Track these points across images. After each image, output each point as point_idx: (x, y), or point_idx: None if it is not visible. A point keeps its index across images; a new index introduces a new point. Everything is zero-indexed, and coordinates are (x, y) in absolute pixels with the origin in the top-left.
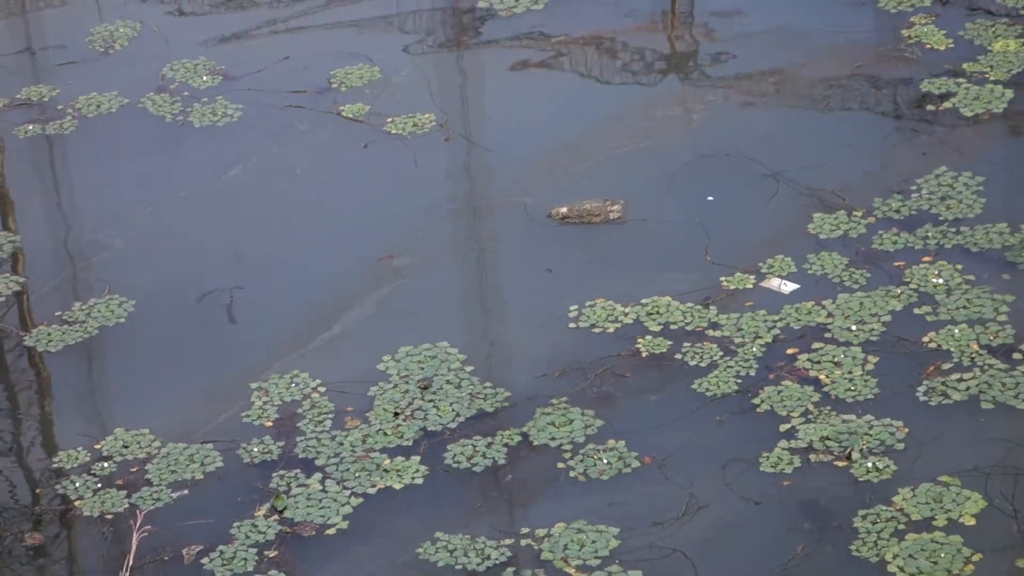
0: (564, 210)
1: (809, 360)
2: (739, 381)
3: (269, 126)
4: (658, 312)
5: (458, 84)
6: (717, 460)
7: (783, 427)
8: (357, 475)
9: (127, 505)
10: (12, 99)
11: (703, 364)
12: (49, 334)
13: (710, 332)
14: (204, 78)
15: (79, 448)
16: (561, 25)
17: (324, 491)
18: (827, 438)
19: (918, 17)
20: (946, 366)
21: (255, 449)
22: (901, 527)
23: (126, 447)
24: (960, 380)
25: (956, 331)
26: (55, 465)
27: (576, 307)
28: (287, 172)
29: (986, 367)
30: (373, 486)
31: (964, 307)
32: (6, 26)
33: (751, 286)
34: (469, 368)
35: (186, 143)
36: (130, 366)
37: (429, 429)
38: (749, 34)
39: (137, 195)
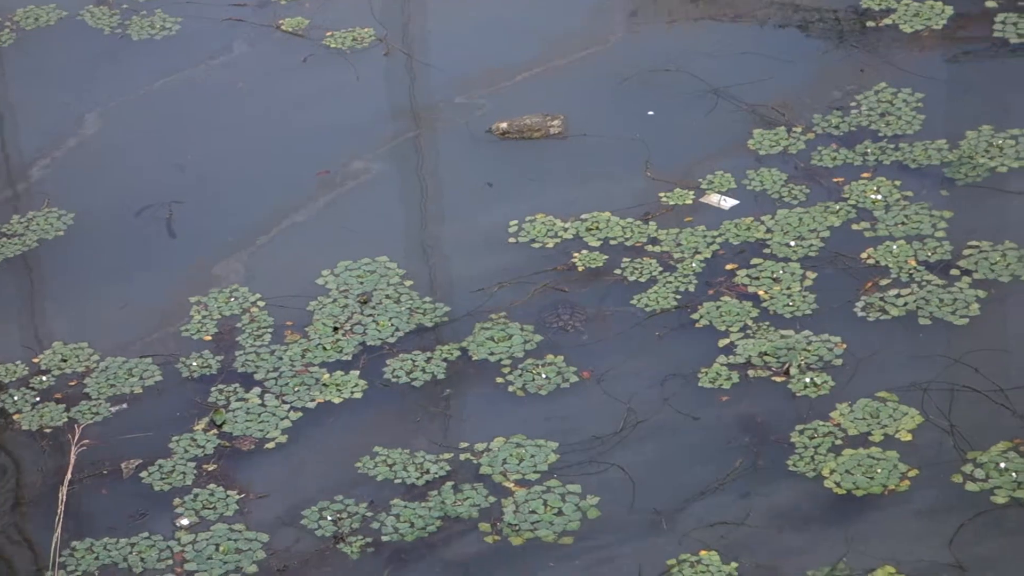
0: (504, 125)
1: (748, 276)
2: (678, 297)
3: (208, 40)
4: (597, 227)
5: None
6: (656, 375)
7: (722, 342)
8: (296, 389)
9: (66, 419)
10: None
11: (642, 279)
12: None
13: (649, 247)
14: None
15: (17, 362)
16: None
17: (263, 405)
18: (765, 353)
19: None
20: (884, 282)
21: (194, 363)
22: (838, 442)
23: (64, 361)
24: (898, 296)
25: (894, 247)
26: None
27: (516, 222)
28: (226, 86)
29: (924, 283)
30: (312, 400)
31: (902, 223)
32: None
33: (691, 202)
34: (408, 283)
35: (125, 56)
36: (69, 279)
37: (368, 344)
38: None
39: (76, 108)
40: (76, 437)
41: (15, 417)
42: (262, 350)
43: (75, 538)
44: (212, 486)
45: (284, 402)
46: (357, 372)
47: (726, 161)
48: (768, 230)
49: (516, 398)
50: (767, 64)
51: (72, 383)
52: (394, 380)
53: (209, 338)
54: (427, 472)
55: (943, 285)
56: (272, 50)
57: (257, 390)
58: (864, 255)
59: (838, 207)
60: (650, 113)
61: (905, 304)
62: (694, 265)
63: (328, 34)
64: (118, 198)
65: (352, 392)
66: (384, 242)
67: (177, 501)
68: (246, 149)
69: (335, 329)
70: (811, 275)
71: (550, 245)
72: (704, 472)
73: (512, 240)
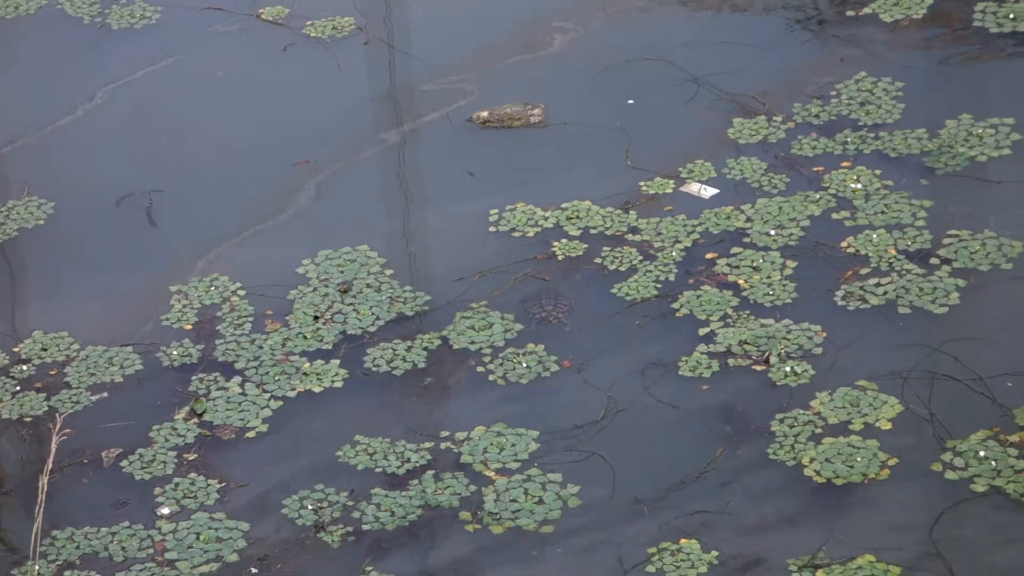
0: (485, 114)
1: (728, 265)
2: (658, 285)
3: (188, 29)
4: (578, 216)
5: None
6: (636, 364)
7: (702, 331)
8: (277, 378)
9: (46, 408)
10: None
11: (623, 268)
12: None
13: (630, 236)
14: None
15: None
16: None
17: (244, 394)
18: (745, 342)
19: None
20: (864, 271)
21: (174, 352)
22: (818, 431)
23: (45, 350)
24: (878, 285)
25: (874, 236)
26: None
27: (496, 211)
28: (206, 75)
29: (903, 272)
30: (293, 389)
31: (882, 212)
32: None
33: (671, 191)
34: (389, 272)
35: (105, 46)
36: (49, 268)
37: (349, 332)
38: None
39: (56, 98)
40: (57, 426)
41: None
42: (243, 339)
43: (56, 527)
44: (193, 475)
45: (265, 391)
46: (338, 361)
47: (706, 150)
48: (748, 219)
49: (497, 387)
50: (747, 53)
51: (53, 372)
52: (375, 369)
53: (189, 327)
54: (408, 461)
55: (923, 274)
56: (252, 39)
57: (238, 379)
58: (844, 244)
59: (818, 196)
60: (630, 102)
61: (885, 293)
62: (674, 254)
63: (308, 23)
64: (98, 187)
65: (333, 381)
66: (365, 231)
67: (158, 490)
68: (226, 138)
69: (315, 318)
70: (791, 264)
71: (530, 234)
72: (684, 461)
73: (493, 229)
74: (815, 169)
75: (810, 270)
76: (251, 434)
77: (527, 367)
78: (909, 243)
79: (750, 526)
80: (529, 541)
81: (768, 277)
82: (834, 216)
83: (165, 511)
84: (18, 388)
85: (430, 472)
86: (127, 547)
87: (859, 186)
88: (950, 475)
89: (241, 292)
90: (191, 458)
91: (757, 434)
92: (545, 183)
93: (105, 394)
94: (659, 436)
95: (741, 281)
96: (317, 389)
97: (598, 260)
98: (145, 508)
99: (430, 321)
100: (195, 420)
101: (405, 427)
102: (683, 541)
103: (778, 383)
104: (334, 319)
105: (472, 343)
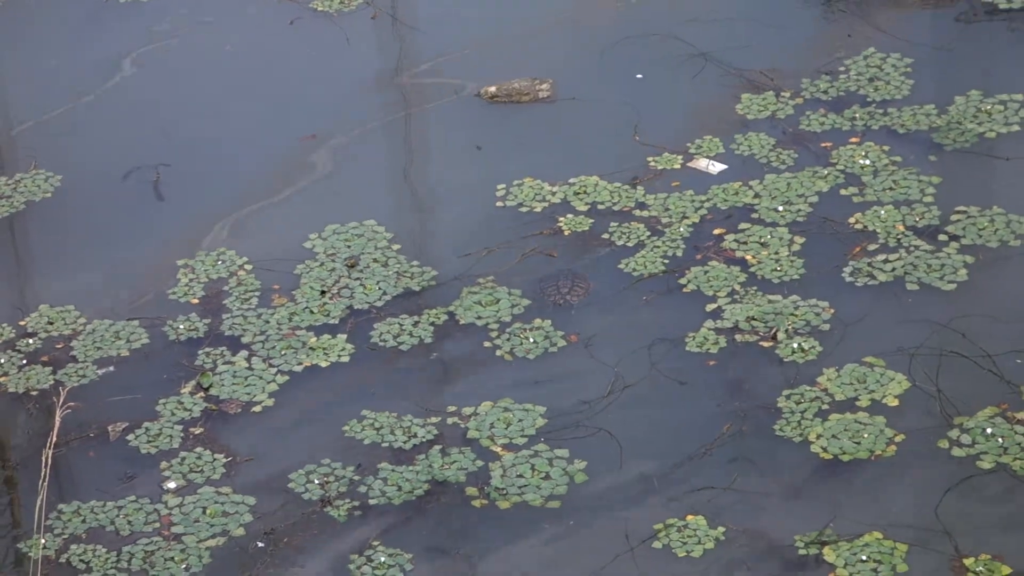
0: (493, 89)
1: (736, 240)
2: (666, 261)
3: (196, 2)
4: (585, 192)
5: None
6: (643, 340)
7: (709, 307)
8: (283, 353)
9: (52, 382)
10: None
11: (630, 244)
12: None
13: (637, 212)
14: None
15: (3, 324)
16: None
17: (250, 369)
18: (753, 318)
19: None
20: (872, 247)
21: (181, 326)
22: (825, 407)
23: (51, 323)
24: (886, 261)
25: (882, 212)
26: None
27: (503, 186)
28: (213, 48)
29: (911, 248)
30: (299, 364)
31: (890, 188)
32: None
33: (679, 166)
34: (396, 246)
35: (111, 19)
36: (56, 242)
37: (355, 307)
38: None
39: (63, 71)
40: (62, 400)
41: (1, 380)
42: (249, 313)
43: (62, 501)
44: (199, 449)
45: (271, 365)
46: (344, 336)
47: (714, 126)
48: (756, 195)
49: (504, 362)
50: (756, 29)
51: (59, 346)
52: (381, 344)
53: (196, 301)
54: (414, 436)
55: (931, 250)
56: (260, 13)
57: (244, 353)
58: (852, 220)
59: (826, 172)
60: (639, 77)
61: (893, 269)
62: (682, 230)
63: None
64: (106, 161)
65: (339, 356)
66: (372, 206)
67: (164, 464)
68: (233, 112)
69: (322, 293)
70: (799, 240)
71: (538, 209)
72: (691, 437)
73: (500, 204)
74: (823, 145)
75: (818, 246)
76: (257, 408)
77: (534, 342)
78: (917, 219)
79: (757, 502)
80: (535, 517)
81: (776, 253)
82: (842, 192)
83: (171, 485)
84: (24, 362)
85: (437, 447)
86: (133, 521)
87: (867, 162)
88: (957, 452)
89: (248, 266)
90: (197, 432)
91: (764, 410)
92: (553, 158)
93: (111, 368)
94: (666, 412)
95: (749, 257)
96: (324, 364)
97: (605, 235)
98: (151, 482)
99: (437, 296)
100: (201, 394)
101: (412, 402)
102: (690, 517)
103: (785, 359)
104: (341, 294)
105: (479, 318)
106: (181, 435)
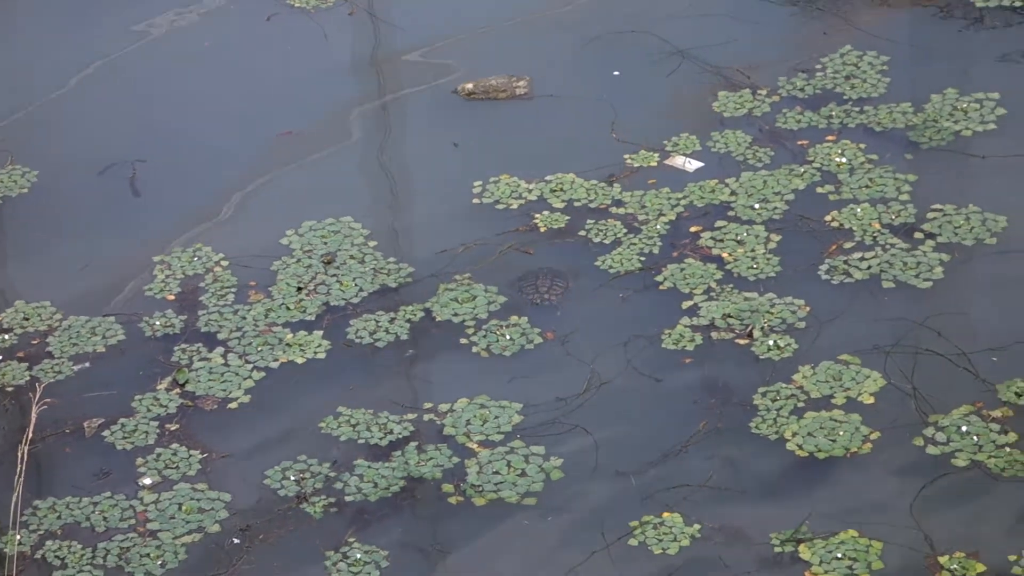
0: (470, 86)
1: (712, 238)
2: (642, 258)
3: None
4: (562, 189)
5: None
6: (619, 337)
7: (685, 304)
8: (259, 349)
9: (28, 378)
10: None
11: (607, 241)
12: None
13: (614, 209)
14: None
15: None
16: None
17: (226, 365)
18: (729, 316)
19: None
20: (848, 245)
21: (157, 322)
22: (800, 405)
23: (27, 319)
24: (862, 259)
25: (858, 210)
26: None
27: (480, 183)
28: (191, 44)
29: (887, 246)
30: (275, 360)
31: (867, 186)
32: None
33: (655, 164)
34: (373, 243)
35: (90, 15)
36: (32, 237)
37: (332, 304)
38: None
39: (40, 67)
40: (38, 396)
41: None
42: (225, 310)
43: (37, 497)
44: (175, 445)
45: (247, 362)
46: (321, 332)
47: (691, 123)
48: (732, 192)
49: (480, 359)
50: (733, 26)
51: (35, 341)
52: (357, 341)
53: (172, 297)
54: (391, 433)
55: (907, 248)
56: (237, 8)
57: (220, 350)
58: (828, 218)
59: (803, 170)
60: (616, 74)
61: (869, 267)
62: (658, 227)
63: None
64: (82, 156)
65: (315, 352)
66: (349, 203)
67: (140, 460)
68: (211, 108)
69: (299, 289)
70: (775, 238)
71: (514, 207)
72: (667, 434)
73: (476, 202)
74: (800, 143)
75: (794, 244)
76: (233, 405)
77: (510, 339)
78: (893, 217)
79: (732, 500)
80: (511, 513)
81: (752, 251)
82: (818, 190)
83: (147, 481)
84: (0, 358)
85: (413, 444)
86: (109, 517)
87: (844, 160)
88: (932, 450)
89: (224, 263)
90: (173, 428)
91: (740, 408)
92: (530, 155)
93: (87, 364)
94: (642, 409)
95: (725, 254)
96: (300, 360)
97: (582, 233)
98: (127, 478)
99: (413, 293)
100: (177, 390)
101: (388, 399)
102: (666, 514)
103: (761, 357)
104: (317, 290)
105: (455, 315)
106: (157, 431)
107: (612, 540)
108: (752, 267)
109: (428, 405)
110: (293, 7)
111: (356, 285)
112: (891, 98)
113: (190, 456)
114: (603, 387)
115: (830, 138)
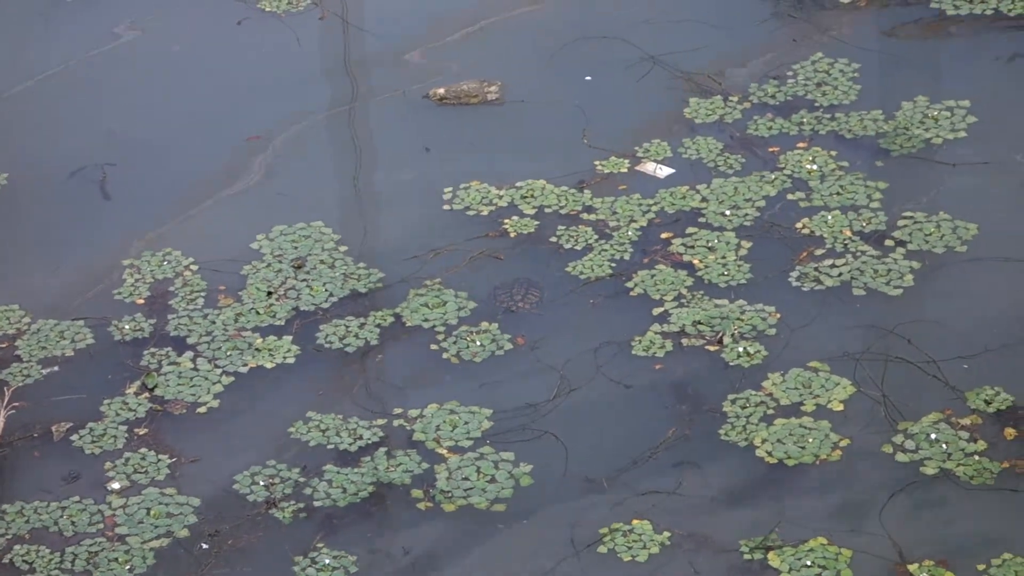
0: (442, 91)
1: (683, 244)
2: (613, 265)
3: (143, 1)
4: (532, 195)
5: None
6: (589, 343)
7: (656, 311)
8: (229, 354)
9: None
10: None
11: (578, 247)
12: None
13: (585, 215)
14: None
15: None
16: None
17: (195, 369)
18: (699, 322)
19: None
20: (819, 252)
21: (126, 326)
22: (770, 412)
23: None
24: (832, 266)
25: (829, 217)
26: None
27: (451, 189)
28: (161, 48)
29: (858, 253)
30: (245, 365)
31: (837, 193)
32: None
33: (626, 170)
34: (343, 248)
35: (58, 17)
36: (0, 240)
37: (302, 308)
38: None
39: (8, 69)
40: (6, 399)
41: None
42: (195, 314)
43: (5, 501)
44: (144, 450)
45: (216, 366)
46: (290, 337)
47: (662, 129)
48: (703, 199)
49: (450, 365)
50: (704, 32)
51: (3, 345)
52: (327, 345)
53: (142, 301)
54: (360, 438)
55: (877, 256)
56: (207, 12)
57: (189, 354)
58: (799, 225)
59: (773, 177)
60: (587, 79)
61: (840, 274)
62: (629, 233)
63: None
64: (51, 159)
65: (285, 357)
66: (319, 207)
67: (108, 465)
68: (180, 112)
69: (269, 294)
70: (746, 244)
71: (485, 213)
72: (637, 441)
73: (447, 207)
74: (771, 149)
75: (765, 251)
76: (202, 409)
77: (481, 345)
78: (864, 225)
79: (702, 507)
80: (481, 520)
81: (723, 257)
82: (789, 197)
83: (116, 486)
84: None
85: (382, 449)
86: (77, 522)
87: (814, 167)
88: (901, 457)
89: (194, 267)
90: (142, 433)
91: (709, 414)
92: (501, 161)
93: (56, 368)
94: (612, 415)
95: (696, 261)
96: (269, 365)
97: (553, 239)
98: (96, 483)
99: (383, 298)
100: (146, 395)
101: (357, 404)
102: (635, 521)
103: (731, 363)
104: (287, 295)
105: (426, 320)
106: (126, 435)
107: (581, 547)
108: (723, 274)
109: (398, 410)
110: (264, 11)
111: (326, 290)
112: (862, 105)
113: (159, 460)
114: (573, 393)
115: (801, 145)
